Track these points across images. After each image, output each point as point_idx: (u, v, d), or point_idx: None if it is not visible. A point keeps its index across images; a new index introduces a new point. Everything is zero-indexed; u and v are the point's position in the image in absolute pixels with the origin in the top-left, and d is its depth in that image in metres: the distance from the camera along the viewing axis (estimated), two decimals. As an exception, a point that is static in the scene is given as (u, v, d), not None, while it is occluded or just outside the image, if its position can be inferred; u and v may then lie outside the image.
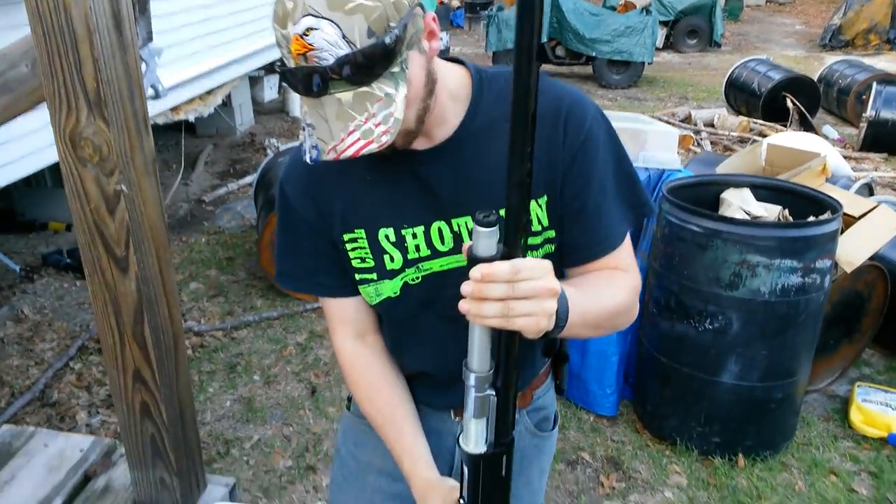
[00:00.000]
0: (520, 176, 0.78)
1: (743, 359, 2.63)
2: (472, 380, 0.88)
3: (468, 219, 1.04)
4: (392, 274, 1.08)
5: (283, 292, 4.05)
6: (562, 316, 0.91)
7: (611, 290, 1.07)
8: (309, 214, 1.10)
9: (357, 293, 1.14)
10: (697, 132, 7.10)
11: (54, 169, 4.87)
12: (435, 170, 1.04)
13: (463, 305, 0.84)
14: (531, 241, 1.07)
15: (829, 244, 2.53)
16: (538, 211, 1.06)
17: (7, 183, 3.21)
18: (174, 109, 4.61)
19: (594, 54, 9.90)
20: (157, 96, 1.36)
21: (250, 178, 5.74)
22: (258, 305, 4.05)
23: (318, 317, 3.93)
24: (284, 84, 1.13)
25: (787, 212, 2.77)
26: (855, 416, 3.01)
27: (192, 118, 5.02)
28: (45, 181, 4.97)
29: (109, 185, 1.09)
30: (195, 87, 4.87)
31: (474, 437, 0.93)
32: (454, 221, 1.05)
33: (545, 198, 1.05)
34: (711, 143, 6.90)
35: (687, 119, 7.59)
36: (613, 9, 11.42)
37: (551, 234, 1.08)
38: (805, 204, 2.77)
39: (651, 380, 2.94)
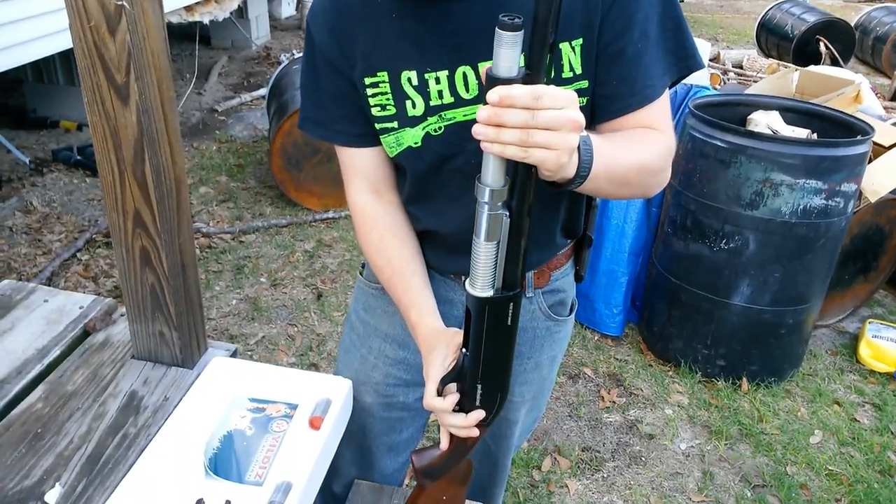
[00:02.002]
0: None
1: (756, 281, 2.58)
2: (485, 194, 0.81)
3: None
4: (413, 122, 1.02)
5: (293, 201, 4.01)
6: (585, 162, 0.85)
7: (642, 145, 0.99)
8: (332, 53, 1.03)
9: (378, 144, 1.08)
10: (725, 72, 6.89)
11: (66, 66, 4.79)
12: (467, 6, 0.96)
13: (478, 128, 0.76)
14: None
15: (857, 167, 2.44)
16: (571, 56, 0.98)
17: (16, 65, 3.14)
18: (188, 9, 4.48)
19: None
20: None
21: (264, 91, 5.63)
22: (267, 213, 4.01)
23: (327, 227, 3.90)
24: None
25: (815, 135, 2.67)
26: (864, 351, 2.98)
27: (206, 21, 4.88)
28: (58, 79, 4.89)
29: (110, 0, 1.03)
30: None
31: (482, 274, 0.88)
32: (480, 65, 0.97)
33: (580, 40, 0.97)
34: (740, 84, 6.71)
35: (716, 59, 7.36)
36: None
37: (584, 84, 1.00)
38: (835, 129, 2.67)
39: (659, 301, 2.90)
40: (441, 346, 1.02)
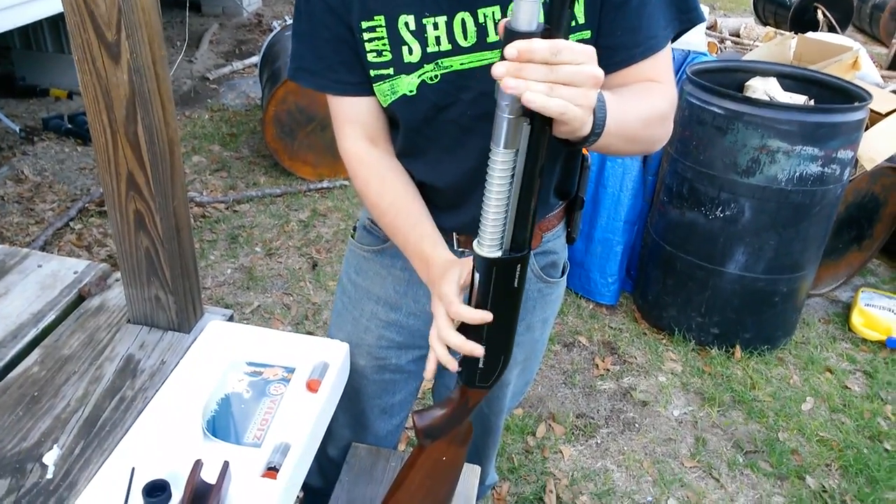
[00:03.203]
0: None
1: (751, 249, 2.58)
2: (505, 96, 0.77)
3: (496, 8, 0.95)
4: (409, 69, 0.99)
5: (287, 170, 3.98)
6: (599, 119, 0.83)
7: (650, 100, 0.98)
8: None
9: (374, 93, 1.06)
10: (722, 41, 6.83)
11: (55, 33, 4.71)
12: None
13: (498, 68, 0.73)
14: None
15: (854, 134, 2.44)
16: (575, 5, 0.96)
17: (1, 30, 3.09)
18: (179, -26, 4.40)
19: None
20: None
21: (256, 59, 5.57)
22: (261, 182, 3.99)
23: (322, 196, 3.88)
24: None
25: (812, 102, 2.66)
26: (856, 319, 3.00)
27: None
28: (46, 45, 4.81)
29: (99, -44, 1.00)
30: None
31: (490, 229, 0.86)
32: (480, 12, 0.96)
33: None
34: (736, 52, 6.66)
35: (712, 27, 7.29)
36: None
37: (586, 34, 0.98)
38: (832, 96, 2.66)
39: (654, 269, 2.91)
40: (455, 268, 0.98)
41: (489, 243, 0.87)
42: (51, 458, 1.11)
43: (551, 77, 0.72)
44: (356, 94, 1.06)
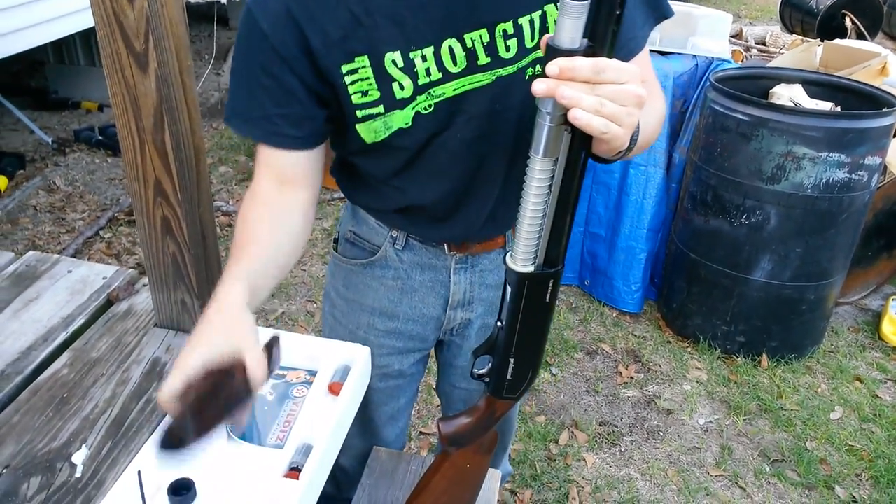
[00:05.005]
0: None
1: (777, 256, 2.55)
2: (548, 104, 0.76)
3: (483, 31, 0.94)
4: (403, 103, 0.96)
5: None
6: (635, 135, 0.83)
7: (653, 104, 1.00)
8: (284, 44, 0.92)
9: (310, 147, 1.02)
10: (748, 49, 6.78)
11: (86, 46, 4.82)
12: None
13: (539, 85, 0.71)
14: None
15: (882, 140, 2.40)
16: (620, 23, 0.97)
17: (36, 45, 3.17)
18: (207, -12, 4.49)
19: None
20: None
21: (283, 70, 5.64)
22: (286, 191, 4.03)
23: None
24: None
25: (839, 109, 2.63)
26: (887, 328, 2.95)
27: (224, 0, 4.89)
28: (78, 59, 4.92)
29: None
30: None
31: (524, 244, 0.86)
32: (467, 37, 0.94)
33: None
34: (763, 60, 6.60)
35: (738, 35, 7.24)
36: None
37: None
38: (860, 102, 2.63)
39: (679, 277, 2.89)
40: (206, 349, 0.81)
41: (523, 257, 0.87)
42: (79, 457, 1.14)
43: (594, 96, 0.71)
44: (291, 149, 1.00)
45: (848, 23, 6.78)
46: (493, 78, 0.97)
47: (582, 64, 0.69)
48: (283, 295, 3.10)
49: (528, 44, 0.96)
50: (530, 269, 0.88)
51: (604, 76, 0.70)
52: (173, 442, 0.79)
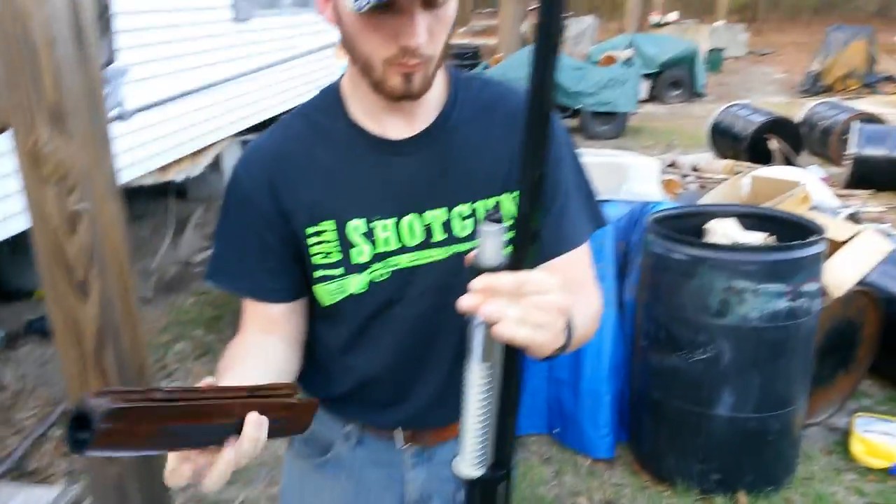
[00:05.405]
0: (532, 180, 0.73)
1: (737, 389, 2.56)
2: (479, 317, 0.78)
3: (442, 210, 1.03)
4: (360, 268, 1.03)
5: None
6: (570, 334, 0.87)
7: (589, 302, 1.06)
8: (264, 205, 1.03)
9: (289, 299, 1.08)
10: (684, 176, 7.15)
11: (41, 235, 4.86)
12: (411, 160, 1.04)
13: (465, 300, 0.75)
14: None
15: (815, 266, 2.50)
16: (511, 206, 1.05)
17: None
18: (162, 169, 4.64)
19: (579, 106, 10.06)
20: (121, 118, 1.34)
21: (239, 239, 5.73)
22: (246, 363, 3.97)
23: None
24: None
25: (773, 237, 2.75)
26: (857, 448, 2.92)
27: (180, 179, 5.04)
28: (30, 249, 4.95)
29: (70, 204, 1.07)
30: (183, 148, 4.90)
31: (471, 447, 0.86)
32: (426, 214, 1.03)
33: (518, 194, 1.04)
34: (700, 186, 6.94)
35: (673, 165, 7.65)
36: (596, 63, 11.68)
37: None
38: (790, 230, 2.75)
39: (646, 417, 2.86)
40: None
41: (470, 461, 0.86)
42: None
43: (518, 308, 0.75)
44: (273, 301, 1.08)
45: (773, 145, 7.24)
46: (449, 254, 1.04)
47: (504, 280, 0.74)
48: (241, 479, 2.97)
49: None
50: (480, 472, 0.86)
51: (526, 288, 0.75)
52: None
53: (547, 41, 0.68)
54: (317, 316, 1.13)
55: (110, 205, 1.15)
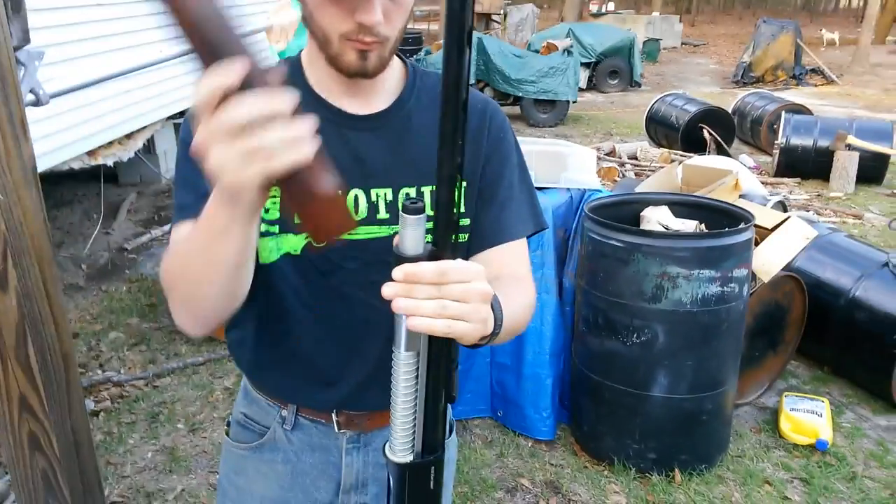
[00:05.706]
0: (450, 170, 0.72)
1: (671, 371, 2.65)
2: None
3: (388, 190, 1.04)
4: (297, 229, 1.03)
5: (211, 337, 3.90)
6: (498, 322, 0.87)
7: (523, 293, 1.07)
8: None
9: None
10: (622, 164, 7.31)
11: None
12: (365, 137, 1.05)
13: (387, 288, 0.75)
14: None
15: (745, 253, 2.60)
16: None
17: None
18: (91, 153, 4.46)
19: (521, 94, 10.15)
20: (38, 103, 1.29)
21: (175, 225, 5.58)
22: (182, 352, 3.89)
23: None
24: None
25: (703, 226, 2.84)
26: (784, 425, 3.06)
27: (110, 163, 4.86)
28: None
29: (-18, 193, 1.02)
30: (113, 131, 4.72)
31: (400, 434, 0.86)
32: (373, 191, 1.04)
33: (465, 183, 1.07)
34: (636, 174, 7.11)
35: (611, 153, 7.81)
36: (537, 51, 11.78)
37: (466, 221, 1.10)
38: (720, 218, 2.85)
39: (585, 399, 2.93)
40: None
41: (400, 447, 0.86)
42: None
43: (439, 296, 0.75)
44: None
45: (706, 134, 7.46)
46: (391, 233, 1.04)
47: (425, 269, 0.74)
48: (181, 469, 2.92)
49: (429, 211, 1.02)
50: (409, 458, 0.87)
51: (447, 277, 0.75)
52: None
53: (459, 32, 0.67)
54: (258, 277, 1.10)
55: (27, 193, 1.10)
